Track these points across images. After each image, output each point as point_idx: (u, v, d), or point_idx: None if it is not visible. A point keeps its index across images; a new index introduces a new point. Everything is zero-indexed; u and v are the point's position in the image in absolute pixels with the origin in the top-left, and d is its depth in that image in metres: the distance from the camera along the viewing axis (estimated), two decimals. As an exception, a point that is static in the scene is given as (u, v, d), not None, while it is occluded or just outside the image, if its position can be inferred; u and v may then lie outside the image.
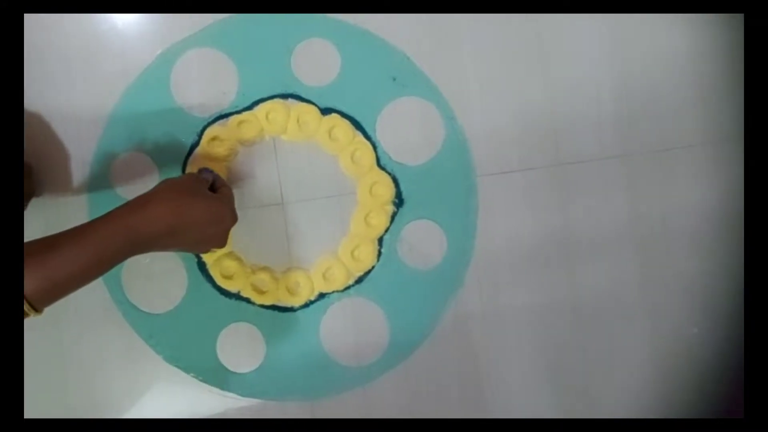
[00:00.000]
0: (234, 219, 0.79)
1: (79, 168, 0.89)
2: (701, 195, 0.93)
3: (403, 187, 0.91)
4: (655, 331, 0.94)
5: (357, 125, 0.90)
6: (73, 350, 0.90)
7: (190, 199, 0.72)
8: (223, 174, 0.88)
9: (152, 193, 0.72)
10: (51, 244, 0.63)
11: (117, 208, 0.69)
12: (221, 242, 0.80)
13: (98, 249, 0.64)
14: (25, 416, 0.62)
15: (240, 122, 0.89)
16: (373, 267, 0.91)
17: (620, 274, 0.93)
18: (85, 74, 0.89)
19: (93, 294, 0.88)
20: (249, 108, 0.89)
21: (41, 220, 0.87)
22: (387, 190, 0.90)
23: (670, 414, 0.94)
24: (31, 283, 0.59)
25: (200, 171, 0.85)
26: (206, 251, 0.85)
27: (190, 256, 0.89)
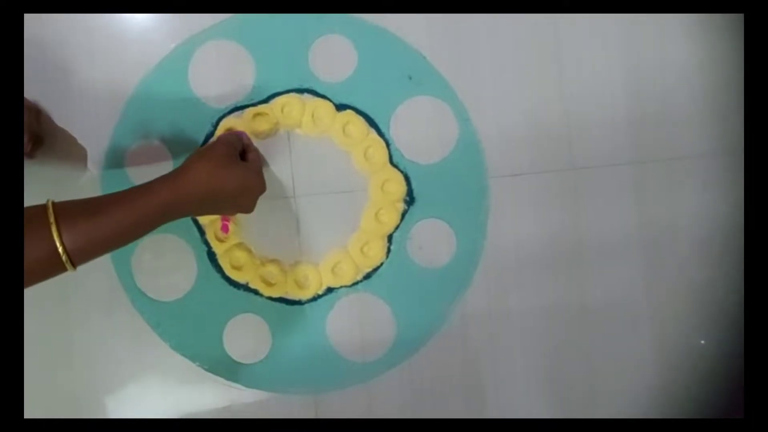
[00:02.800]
0: (263, 188, 0.82)
1: (95, 155, 0.90)
2: (710, 204, 0.93)
3: (414, 186, 0.91)
4: (660, 339, 0.94)
5: (371, 122, 0.91)
6: (79, 333, 0.90)
7: (222, 171, 0.76)
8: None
9: (188, 165, 0.75)
10: (94, 205, 0.68)
11: (156, 179, 0.73)
12: (250, 209, 0.83)
13: (138, 215, 0.69)
14: (29, 399, 0.64)
15: (255, 114, 0.89)
16: (381, 263, 0.91)
17: (627, 280, 0.94)
18: (104, 62, 0.90)
19: (102, 278, 0.90)
20: (265, 101, 0.90)
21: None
22: (399, 187, 0.91)
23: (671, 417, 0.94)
24: (72, 240, 0.63)
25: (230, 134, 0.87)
26: (233, 214, 0.88)
27: (201, 246, 0.90)
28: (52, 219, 0.62)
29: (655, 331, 0.94)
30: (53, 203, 0.64)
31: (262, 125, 0.89)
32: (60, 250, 0.62)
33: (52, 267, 0.64)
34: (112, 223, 0.66)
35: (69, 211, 0.65)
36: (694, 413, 0.93)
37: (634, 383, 0.94)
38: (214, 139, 0.89)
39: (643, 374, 0.94)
